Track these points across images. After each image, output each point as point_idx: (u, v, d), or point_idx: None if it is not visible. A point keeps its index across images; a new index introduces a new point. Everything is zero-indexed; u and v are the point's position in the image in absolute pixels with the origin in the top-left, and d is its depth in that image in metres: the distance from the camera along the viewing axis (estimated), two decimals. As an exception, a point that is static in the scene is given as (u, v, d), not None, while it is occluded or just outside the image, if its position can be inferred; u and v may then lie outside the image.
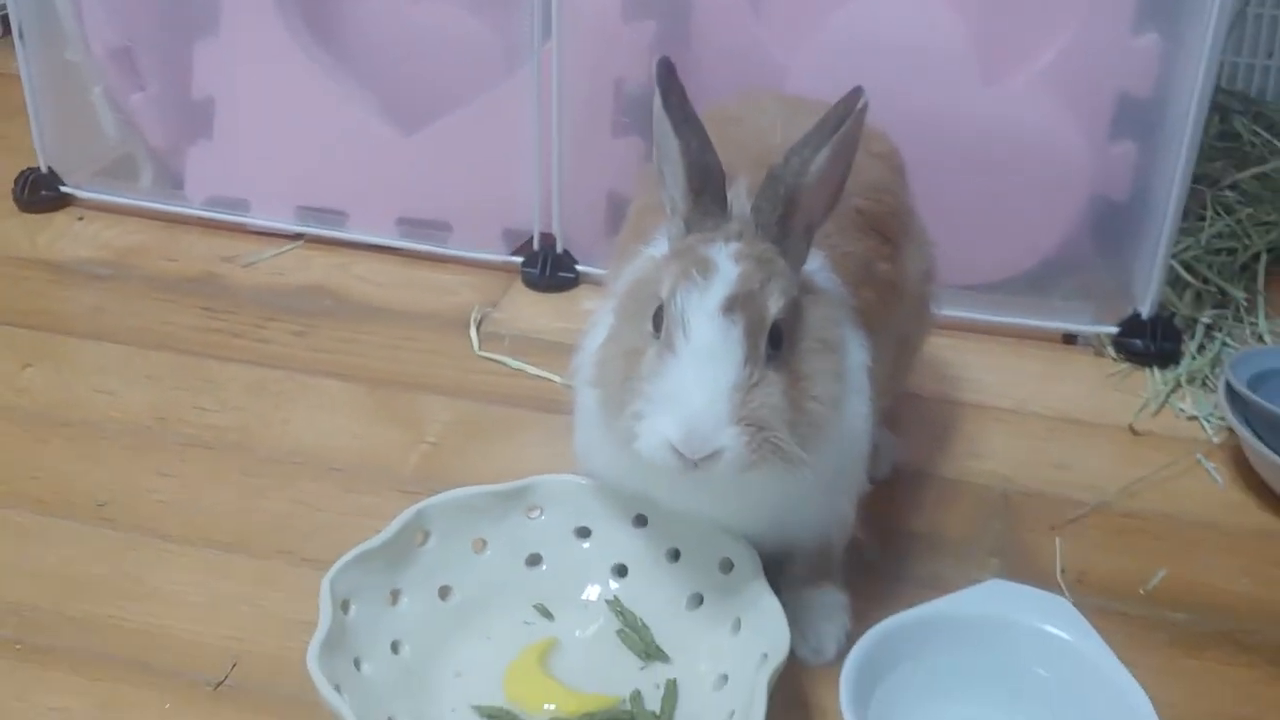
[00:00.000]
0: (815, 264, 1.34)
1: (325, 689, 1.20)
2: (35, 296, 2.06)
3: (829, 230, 1.37)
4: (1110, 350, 1.97)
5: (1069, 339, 2.00)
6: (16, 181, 2.30)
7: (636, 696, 1.31)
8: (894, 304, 1.49)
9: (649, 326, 1.25)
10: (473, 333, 1.97)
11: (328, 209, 2.20)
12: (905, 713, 1.27)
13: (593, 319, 1.43)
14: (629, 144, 2.05)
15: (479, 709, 1.30)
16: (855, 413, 1.33)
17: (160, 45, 2.19)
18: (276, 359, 1.90)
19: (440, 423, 1.77)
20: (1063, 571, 1.53)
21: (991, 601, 1.34)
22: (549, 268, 2.09)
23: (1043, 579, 1.48)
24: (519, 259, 2.12)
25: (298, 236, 2.21)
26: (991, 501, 1.65)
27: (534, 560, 1.45)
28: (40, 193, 2.30)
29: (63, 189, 2.31)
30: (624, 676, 1.35)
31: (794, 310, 1.25)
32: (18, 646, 1.40)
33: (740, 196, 1.29)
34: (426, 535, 1.42)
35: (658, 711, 1.30)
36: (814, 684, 1.36)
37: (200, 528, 1.57)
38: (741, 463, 1.18)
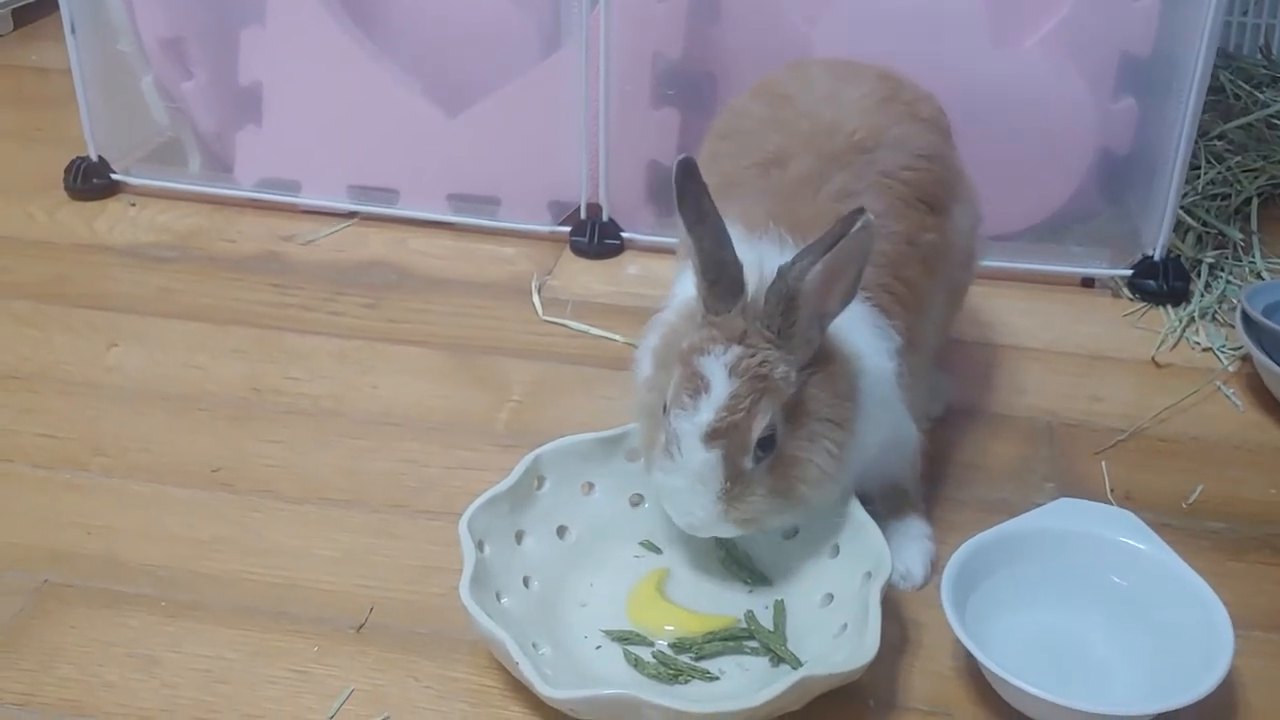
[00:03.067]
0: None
1: (482, 619, 1.32)
2: (105, 280, 2.13)
3: (877, 211, 1.42)
4: (1126, 291, 2.12)
5: (1087, 283, 2.15)
6: (68, 170, 2.36)
7: (751, 616, 1.44)
8: (941, 265, 1.59)
9: (663, 411, 1.38)
10: (535, 299, 2.07)
11: (379, 187, 2.28)
12: (997, 618, 1.41)
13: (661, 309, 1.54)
14: (667, 115, 2.16)
15: (609, 633, 1.42)
16: (885, 421, 1.45)
17: (208, 35, 2.25)
18: (352, 330, 1.99)
19: (520, 382, 1.88)
20: (1111, 491, 1.67)
21: (1065, 517, 1.49)
22: (596, 236, 2.19)
23: (1096, 498, 1.60)
24: (566, 228, 2.22)
25: (350, 215, 2.29)
26: (1039, 432, 1.79)
27: (636, 500, 1.57)
28: (92, 180, 2.36)
29: (113, 176, 2.37)
30: (734, 600, 1.47)
31: (796, 398, 1.35)
32: (162, 603, 1.48)
33: (760, 281, 1.35)
34: (542, 480, 1.53)
35: (771, 629, 1.42)
36: (907, 601, 1.49)
37: (314, 487, 1.66)
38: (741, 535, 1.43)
